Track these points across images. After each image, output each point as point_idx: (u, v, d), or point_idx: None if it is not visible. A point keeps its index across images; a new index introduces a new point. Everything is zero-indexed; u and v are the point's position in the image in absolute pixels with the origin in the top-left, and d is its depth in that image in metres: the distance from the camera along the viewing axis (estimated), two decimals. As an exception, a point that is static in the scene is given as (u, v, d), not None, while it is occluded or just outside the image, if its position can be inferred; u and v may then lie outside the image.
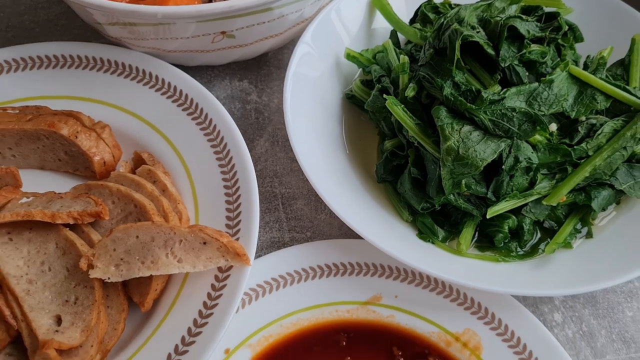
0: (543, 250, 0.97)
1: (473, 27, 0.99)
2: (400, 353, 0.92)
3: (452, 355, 0.92)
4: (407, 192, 1.01)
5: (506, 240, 0.98)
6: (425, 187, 1.00)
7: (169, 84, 1.10)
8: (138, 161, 1.07)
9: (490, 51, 0.96)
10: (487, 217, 0.94)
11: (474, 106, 0.92)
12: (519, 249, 0.98)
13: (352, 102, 1.14)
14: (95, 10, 1.00)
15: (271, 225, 1.07)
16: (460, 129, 0.93)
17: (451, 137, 0.92)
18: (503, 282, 0.90)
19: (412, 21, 1.18)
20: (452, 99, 0.94)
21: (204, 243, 0.89)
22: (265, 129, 1.17)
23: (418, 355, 0.92)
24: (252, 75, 1.25)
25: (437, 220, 1.00)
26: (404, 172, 1.03)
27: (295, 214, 1.07)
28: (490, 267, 0.94)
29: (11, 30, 1.34)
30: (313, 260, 0.97)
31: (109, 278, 0.88)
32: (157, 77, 1.11)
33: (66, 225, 0.95)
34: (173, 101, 1.09)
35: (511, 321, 0.92)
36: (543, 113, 0.93)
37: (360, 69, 1.17)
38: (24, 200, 1.00)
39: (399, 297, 0.95)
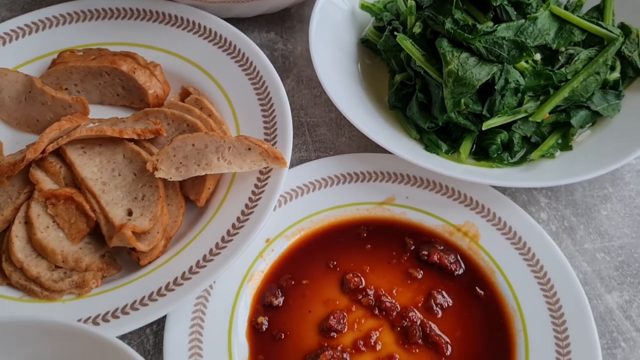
0: (530, 158, 1.15)
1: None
2: (411, 241, 1.10)
3: (455, 242, 1.10)
4: (415, 114, 1.19)
5: (499, 152, 1.16)
6: (430, 110, 1.18)
7: (210, 30, 1.29)
8: (185, 94, 1.26)
9: (484, -8, 1.15)
10: (483, 129, 1.13)
11: (470, 36, 1.11)
12: (509, 158, 1.17)
13: (366, 46, 1.33)
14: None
15: (299, 147, 1.25)
16: (459, 55, 1.12)
17: (452, 62, 1.11)
18: (497, 179, 1.09)
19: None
20: (452, 31, 1.12)
21: (249, 149, 1.08)
22: (291, 71, 1.35)
23: (426, 243, 1.10)
24: (278, 27, 1.44)
25: (440, 137, 1.19)
26: (412, 98, 1.21)
27: (320, 138, 1.26)
28: (485, 171, 1.13)
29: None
30: (337, 170, 1.16)
31: (170, 178, 1.07)
32: (199, 25, 1.30)
33: (130, 140, 1.14)
34: (214, 44, 1.28)
35: (504, 214, 1.10)
36: (529, 44, 1.11)
37: (373, 18, 1.36)
38: (91, 125, 1.18)
39: (409, 198, 1.14)
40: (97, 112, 1.26)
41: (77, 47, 1.29)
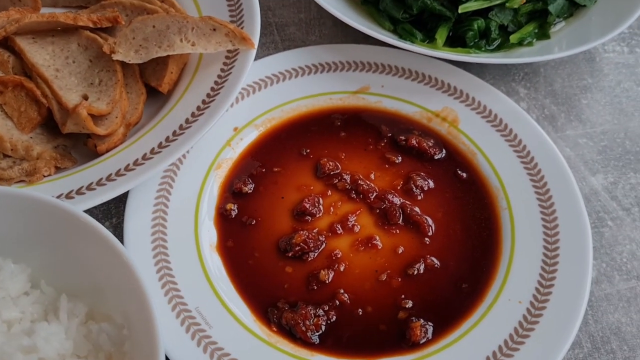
0: (510, 42, 1.11)
1: None
2: (387, 129, 1.05)
3: (433, 128, 1.05)
4: (388, 5, 1.14)
5: (476, 39, 1.12)
6: (403, 1, 1.13)
7: None
8: (144, -9, 1.18)
9: None
10: (460, 12, 1.08)
11: None
12: (487, 46, 1.12)
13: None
14: None
15: (268, 45, 1.19)
16: None
17: (426, -59, 1.06)
18: (473, 58, 1.04)
19: None
20: None
21: (214, 29, 1.01)
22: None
23: (403, 131, 1.05)
24: None
25: (415, 28, 1.14)
26: (385, -10, 1.16)
27: (289, 37, 1.19)
28: (462, 56, 1.08)
29: None
30: (308, 60, 1.09)
31: (129, 60, 0.99)
32: None
33: (85, 29, 1.06)
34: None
35: (484, 99, 1.06)
36: None
37: None
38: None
39: (385, 86, 1.08)
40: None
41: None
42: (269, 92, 1.06)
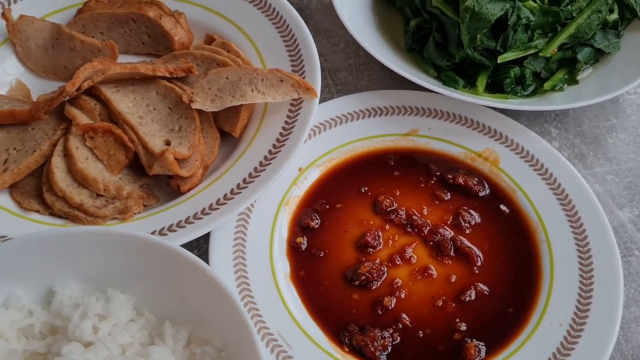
0: (543, 89, 1.23)
1: None
2: (436, 168, 1.17)
3: (476, 167, 1.17)
4: (432, 54, 1.26)
5: (512, 85, 1.24)
6: (447, 49, 1.25)
7: (230, -20, 1.34)
8: (209, 40, 1.30)
9: (493, -63, 1.23)
10: (499, 62, 1.20)
11: (484, -25, 1.19)
12: (522, 91, 1.25)
13: (380, -2, 1.40)
14: None
15: (322, 90, 1.28)
16: (475, -7, 1.19)
17: (468, -1, 1.18)
18: (513, 105, 1.16)
19: None
20: (467, -29, 1.20)
21: (281, 80, 1.13)
22: (309, 23, 1.39)
23: (450, 170, 1.17)
24: (290, -16, 1.49)
25: (457, 74, 1.26)
26: (428, 40, 1.28)
27: (341, 81, 1.31)
28: (502, 102, 1.20)
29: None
30: (363, 105, 1.21)
31: (207, 109, 1.11)
32: (220, -24, 1.34)
33: (162, 79, 1.18)
34: (234, -6, 1.33)
35: (521, 140, 1.18)
36: (536, -17, 1.20)
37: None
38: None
39: (432, 129, 1.20)
40: (123, 60, 1.29)
41: (100, -3, 1.32)
42: (329, 134, 1.18)
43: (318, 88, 1.14)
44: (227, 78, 1.13)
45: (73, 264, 0.91)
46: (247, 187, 1.04)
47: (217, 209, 1.02)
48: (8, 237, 1.00)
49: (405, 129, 1.20)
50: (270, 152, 1.09)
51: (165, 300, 0.91)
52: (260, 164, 1.08)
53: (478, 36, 1.19)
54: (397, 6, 1.37)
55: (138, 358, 0.83)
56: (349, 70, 1.34)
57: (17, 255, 0.88)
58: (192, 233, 0.98)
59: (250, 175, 1.06)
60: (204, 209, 1.03)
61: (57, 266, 0.90)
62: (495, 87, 1.25)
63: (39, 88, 1.26)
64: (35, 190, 1.10)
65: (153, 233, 1.00)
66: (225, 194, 1.04)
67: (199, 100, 1.11)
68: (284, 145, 1.09)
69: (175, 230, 1.00)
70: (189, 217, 1.02)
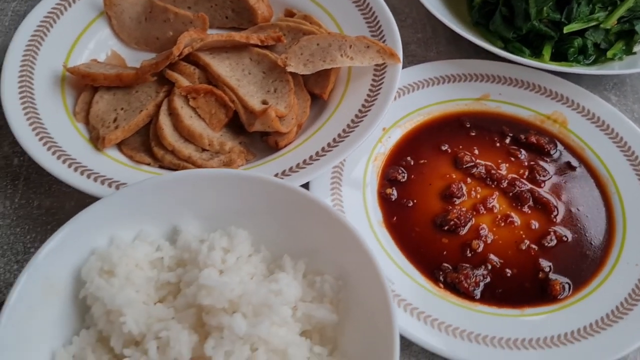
0: (605, 56, 1.32)
1: None
2: (508, 129, 1.26)
3: (546, 128, 1.26)
4: (499, 26, 1.36)
5: (575, 55, 1.33)
6: (512, 22, 1.35)
7: (307, -40, 1.43)
8: (289, 14, 1.39)
9: None
10: (565, 32, 1.30)
11: (552, -49, 1.28)
12: (585, 60, 1.34)
13: (444, -24, 1.49)
14: None
15: (394, 60, 1.40)
16: (542, -32, 1.29)
17: (536, -26, 1.28)
18: (578, 70, 1.25)
19: None
20: (534, -52, 1.30)
21: (367, 47, 1.22)
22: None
23: (522, 131, 1.26)
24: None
25: (523, 45, 1.36)
26: (494, 14, 1.38)
27: (411, 54, 1.40)
28: (567, 68, 1.29)
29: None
30: (438, 72, 1.31)
31: (300, 72, 1.20)
32: (297, -44, 1.44)
33: (253, 46, 1.27)
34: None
35: (587, 104, 1.27)
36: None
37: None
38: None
39: (502, 94, 1.29)
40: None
41: (189, -25, 1.42)
42: (408, 98, 1.27)
43: (400, 54, 1.23)
44: (317, 44, 1.22)
45: (194, 205, 0.99)
46: (339, 143, 1.12)
47: (314, 161, 1.11)
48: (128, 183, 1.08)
49: (477, 94, 1.29)
50: (360, 111, 1.18)
51: (280, 236, 0.99)
52: (352, 121, 1.16)
53: (544, 9, 1.29)
54: (461, -15, 1.46)
55: (266, 283, 0.92)
56: (417, 44, 1.44)
57: (147, 196, 0.97)
58: (294, 182, 1.07)
59: (343, 131, 1.15)
60: (304, 160, 1.11)
61: (180, 207, 0.99)
62: (558, 57, 1.35)
63: (132, 58, 1.36)
64: (142, 145, 1.19)
65: (260, 181, 1.08)
66: (321, 148, 1.13)
67: (292, 64, 1.20)
68: (372, 105, 1.18)
69: (282, 178, 1.08)
70: (290, 167, 1.10)
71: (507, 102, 1.29)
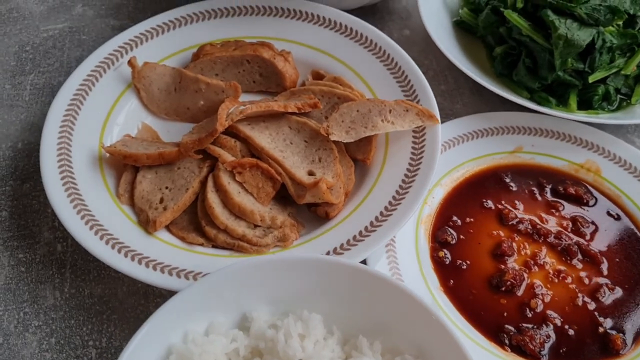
0: (629, 102, 1.37)
1: (555, -44, 1.39)
2: (544, 181, 1.29)
3: (581, 177, 1.30)
4: (524, 77, 1.39)
5: (600, 102, 1.38)
6: (536, 72, 1.39)
7: (329, 19, 1.44)
8: (317, 76, 1.40)
9: (573, -30, 1.37)
10: (590, 81, 1.34)
11: (573, 5, 1.32)
12: (609, 107, 1.38)
13: (461, 27, 1.52)
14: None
15: (422, 115, 1.42)
16: (565, 21, 1.33)
17: (560, 27, 1.32)
18: (608, 120, 1.30)
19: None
20: (555, 2, 1.34)
21: (407, 110, 1.24)
22: (395, 54, 1.52)
23: (558, 181, 1.29)
24: (370, 19, 1.59)
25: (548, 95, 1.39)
26: (517, 65, 1.41)
27: (439, 106, 1.42)
28: (594, 117, 1.34)
29: (164, 1, 1.65)
30: (470, 127, 1.33)
31: (343, 140, 1.21)
32: (318, 16, 1.45)
33: (291, 114, 1.27)
34: (335, 31, 1.43)
35: (617, 151, 1.31)
36: (621, 8, 1.34)
37: (461, 2, 1.56)
38: (242, 107, 1.31)
39: (535, 145, 1.33)
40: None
41: (214, 40, 1.42)
42: (446, 155, 1.29)
43: (438, 114, 1.26)
44: (357, 111, 1.23)
45: (263, 290, 0.99)
46: (392, 212, 1.13)
47: (371, 233, 1.11)
48: (185, 269, 1.07)
49: (511, 147, 1.32)
50: (406, 175, 1.19)
51: (351, 315, 1.00)
52: (401, 187, 1.18)
53: (569, 60, 1.33)
54: (478, 35, 1.50)
55: (350, 370, 0.92)
56: (442, 96, 1.46)
57: (216, 288, 0.96)
58: (353, 258, 1.07)
59: (394, 198, 1.16)
60: (359, 232, 1.12)
61: (249, 293, 0.99)
62: (583, 104, 1.39)
63: (163, 129, 1.35)
64: (191, 224, 1.18)
65: (320, 257, 1.08)
66: (375, 218, 1.14)
67: (335, 132, 1.21)
68: (418, 169, 1.19)
69: (341, 253, 1.09)
70: (347, 240, 1.11)
71: (540, 153, 1.32)
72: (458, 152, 1.31)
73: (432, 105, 1.27)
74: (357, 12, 1.57)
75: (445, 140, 1.31)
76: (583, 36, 1.31)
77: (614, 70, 1.37)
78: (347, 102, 1.29)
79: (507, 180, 1.29)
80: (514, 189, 1.28)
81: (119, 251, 1.08)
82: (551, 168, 1.31)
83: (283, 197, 1.22)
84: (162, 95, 1.35)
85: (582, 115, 1.31)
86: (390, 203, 1.16)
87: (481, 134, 1.33)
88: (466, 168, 1.29)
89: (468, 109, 1.43)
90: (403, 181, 1.19)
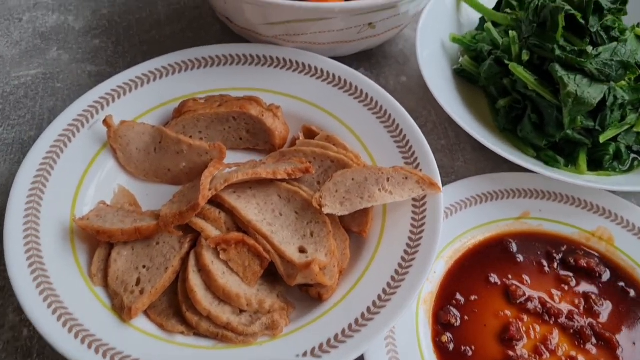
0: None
1: (562, 3, 1.30)
2: (553, 251, 1.20)
3: (592, 246, 1.21)
4: (530, 134, 1.30)
5: (611, 162, 1.29)
6: (543, 129, 1.29)
7: (322, 70, 1.34)
8: (307, 133, 1.30)
9: (581, 21, 1.28)
10: (601, 141, 1.25)
11: (583, 60, 1.23)
12: (621, 166, 1.29)
13: (462, 76, 1.43)
14: (277, 10, 1.24)
15: (421, 173, 1.32)
16: (574, 77, 1.24)
17: (569, 84, 1.23)
18: (622, 186, 1.21)
19: (497, 9, 1.49)
20: (564, 57, 1.25)
21: (406, 178, 1.14)
22: (392, 104, 1.43)
23: (568, 251, 1.20)
24: (365, 64, 1.52)
25: (556, 153, 1.30)
26: (522, 120, 1.32)
27: (438, 164, 1.32)
28: (606, 179, 1.25)
29: (144, 44, 1.54)
30: (472, 191, 1.24)
31: (337, 213, 1.11)
32: (309, 66, 1.35)
33: (280, 181, 1.17)
34: (327, 83, 1.33)
35: (631, 217, 1.22)
36: (632, 63, 1.25)
37: (461, 49, 1.46)
38: (227, 170, 1.21)
39: (542, 211, 1.24)
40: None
41: (197, 93, 1.31)
42: (448, 223, 1.20)
43: (439, 182, 1.16)
44: (353, 179, 1.13)
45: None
46: (392, 296, 1.03)
47: (368, 321, 1.02)
48: (165, 366, 0.97)
49: (517, 213, 1.23)
50: (406, 252, 1.10)
51: None
52: (400, 265, 1.08)
53: (578, 118, 1.24)
54: (480, 84, 1.40)
55: None
56: (443, 152, 1.37)
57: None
58: (353, 351, 0.98)
59: (392, 279, 1.07)
60: (350, 324, 1.01)
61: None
62: (592, 163, 1.30)
63: (141, 192, 1.25)
64: (171, 308, 1.08)
65: (307, 353, 0.99)
66: (373, 303, 1.04)
67: (328, 204, 1.11)
68: (419, 244, 1.10)
69: (328, 352, 0.98)
70: (342, 330, 1.01)
71: (548, 219, 1.23)
72: (460, 219, 1.21)
73: (433, 170, 1.18)
74: (351, 57, 1.48)
75: (446, 205, 1.22)
76: (594, 94, 1.22)
77: (625, 128, 1.28)
78: (341, 166, 1.19)
79: (514, 250, 1.19)
80: (521, 260, 1.18)
81: (90, 346, 0.98)
82: (560, 236, 1.22)
83: (272, 273, 1.11)
84: (140, 156, 1.25)
85: (593, 181, 1.22)
86: (389, 285, 1.06)
87: (485, 198, 1.24)
88: (469, 237, 1.20)
89: (470, 167, 1.34)
90: (403, 258, 1.09)
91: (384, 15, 1.30)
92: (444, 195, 1.20)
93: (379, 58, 1.53)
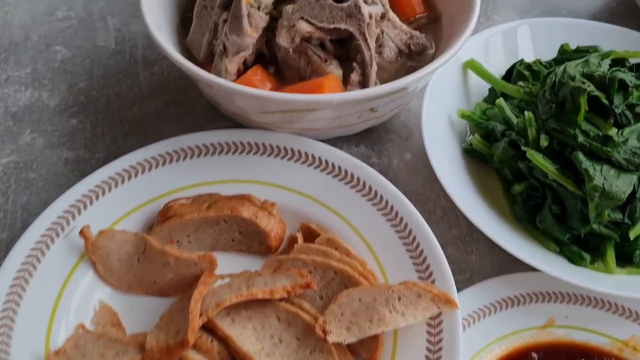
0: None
1: (583, 82, 1.18)
2: (584, 364, 1.08)
3: (627, 358, 1.09)
4: (551, 227, 1.18)
5: (640, 257, 1.17)
6: (565, 221, 1.18)
7: (320, 159, 1.22)
8: (306, 231, 1.18)
9: (605, 101, 1.16)
10: (631, 237, 1.13)
11: (609, 149, 1.12)
12: (650, 262, 1.18)
13: (472, 155, 1.31)
14: (273, 102, 1.11)
15: (433, 271, 1.20)
16: (600, 169, 1.12)
17: (594, 176, 1.11)
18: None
19: (506, 79, 1.37)
20: (588, 144, 1.13)
21: (419, 296, 1.02)
22: (396, 187, 1.30)
23: (599, 363, 1.09)
24: (366, 140, 1.40)
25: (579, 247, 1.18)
26: (541, 210, 1.20)
27: (450, 259, 1.19)
28: (638, 279, 1.13)
29: (125, 123, 1.42)
30: (491, 297, 1.12)
31: (344, 341, 0.99)
32: (306, 154, 1.23)
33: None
34: (326, 173, 1.21)
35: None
36: (657, 147, 1.14)
37: (469, 125, 1.34)
38: (219, 282, 1.09)
39: (569, 317, 1.12)
40: (210, 260, 1.16)
41: (183, 188, 1.19)
42: (465, 338, 1.07)
43: (456, 297, 1.04)
44: (360, 300, 1.02)
45: None
46: None
47: None
48: None
49: (541, 321, 1.12)
50: (422, 384, 0.98)
51: None
52: (417, 400, 0.96)
53: (605, 212, 1.12)
54: (494, 166, 1.29)
55: None
56: (455, 245, 1.25)
57: None
58: None
59: (408, 418, 0.95)
60: None
61: None
62: (620, 257, 1.18)
63: (125, 306, 1.12)
64: None
65: None
66: None
67: (333, 330, 0.99)
68: (437, 373, 0.98)
69: None
70: None
71: (576, 327, 1.11)
72: (479, 331, 1.09)
73: (448, 281, 1.06)
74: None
75: (463, 316, 1.10)
76: (623, 187, 1.11)
77: (653, 219, 1.17)
78: (345, 278, 1.07)
79: (538, 364, 1.08)
80: (549, 377, 1.06)
81: None
82: (590, 347, 1.10)
83: (272, 410, 0.99)
84: (122, 267, 1.13)
85: (627, 285, 1.10)
86: None
87: (505, 304, 1.12)
88: (488, 353, 1.08)
89: (485, 262, 1.22)
90: (419, 390, 0.97)
91: (386, 100, 1.18)
92: (462, 302, 1.09)
93: (380, 132, 1.41)
